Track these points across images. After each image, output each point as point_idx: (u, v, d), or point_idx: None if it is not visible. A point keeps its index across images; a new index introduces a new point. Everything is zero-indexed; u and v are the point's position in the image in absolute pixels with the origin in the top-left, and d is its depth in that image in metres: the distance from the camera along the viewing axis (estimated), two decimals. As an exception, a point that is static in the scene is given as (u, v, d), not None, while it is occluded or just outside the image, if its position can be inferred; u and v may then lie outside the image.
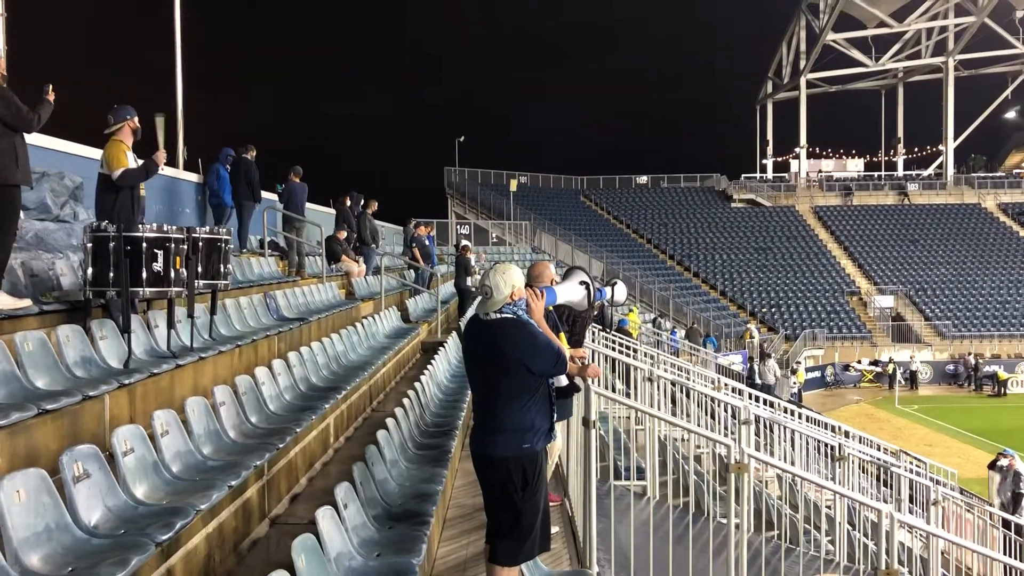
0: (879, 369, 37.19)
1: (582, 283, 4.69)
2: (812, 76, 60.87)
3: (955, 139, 59.88)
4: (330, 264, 14.05)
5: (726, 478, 5.12)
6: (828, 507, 9.52)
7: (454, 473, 6.96)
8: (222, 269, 6.35)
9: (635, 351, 13.75)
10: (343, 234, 14.99)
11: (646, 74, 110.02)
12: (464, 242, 18.84)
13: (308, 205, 14.33)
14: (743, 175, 61.61)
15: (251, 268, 10.90)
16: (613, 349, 12.11)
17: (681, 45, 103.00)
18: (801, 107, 60.03)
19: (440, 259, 23.93)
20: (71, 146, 8.92)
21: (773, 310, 41.98)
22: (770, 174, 63.97)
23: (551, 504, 6.19)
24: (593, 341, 10.89)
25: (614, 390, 10.56)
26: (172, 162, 12.66)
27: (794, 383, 30.70)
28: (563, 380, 4.97)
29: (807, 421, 12.44)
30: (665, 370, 11.95)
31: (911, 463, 12.80)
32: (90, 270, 5.38)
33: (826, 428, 12.32)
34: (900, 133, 65.08)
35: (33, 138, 7.63)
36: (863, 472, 11.58)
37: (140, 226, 5.51)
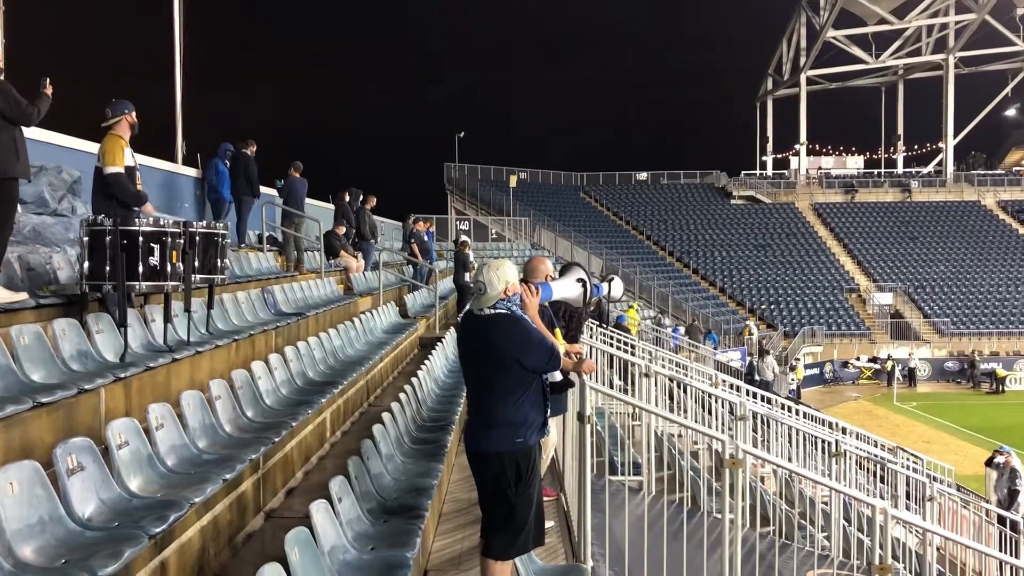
0: (878, 366, 37.23)
1: (579, 280, 4.70)
2: (812, 73, 60.84)
3: (955, 136, 59.86)
4: (329, 259, 14.05)
5: (721, 473, 5.13)
6: (824, 503, 9.54)
7: (450, 468, 6.97)
8: (219, 264, 6.34)
9: (633, 347, 13.75)
10: (342, 229, 14.99)
11: (646, 71, 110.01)
12: (463, 238, 18.83)
13: (307, 200, 14.33)
14: (743, 172, 61.60)
15: (249, 263, 10.91)
16: (611, 345, 12.11)
17: (682, 42, 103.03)
18: (801, 104, 60.00)
19: (439, 255, 23.93)
20: (69, 140, 8.91)
21: (772, 307, 41.99)
22: (770, 171, 63.94)
23: (546, 499, 6.21)
24: (591, 337, 10.89)
25: (611, 386, 10.57)
26: (171, 157, 12.66)
27: (792, 379, 30.73)
28: (557, 376, 4.98)
29: (804, 417, 12.45)
30: (663, 366, 11.95)
31: (908, 459, 12.81)
32: (86, 264, 5.39)
33: (823, 424, 12.33)
34: (900, 130, 65.05)
35: (31, 132, 7.63)
36: (860, 468, 11.59)
37: (136, 220, 5.52)
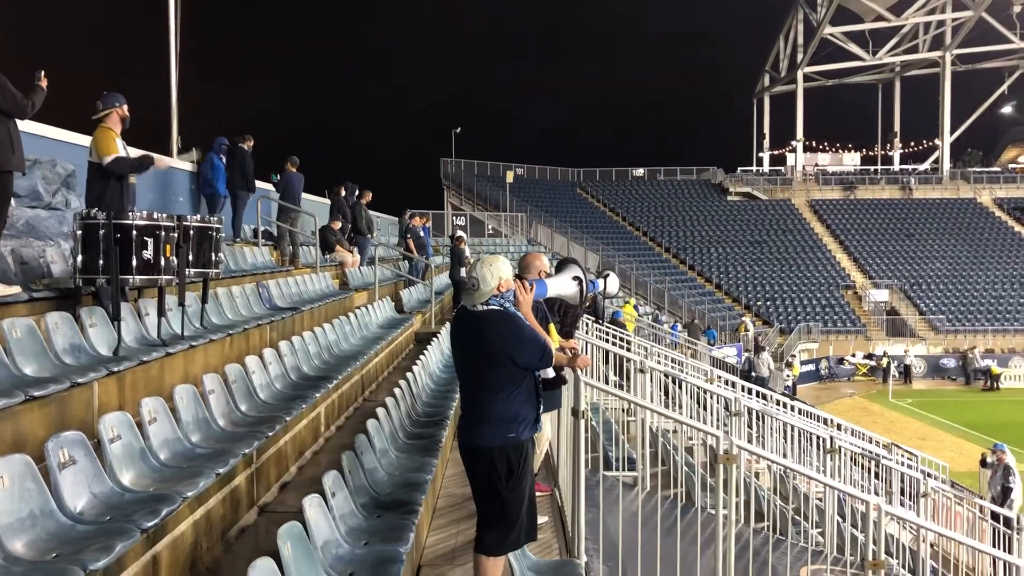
0: (873, 363, 37.26)
1: (575, 278, 4.68)
2: (809, 70, 60.81)
3: (951, 134, 59.90)
4: (324, 254, 14.03)
5: (716, 469, 5.13)
6: (819, 499, 9.56)
7: (445, 463, 6.96)
8: (213, 257, 6.33)
9: (629, 343, 13.77)
10: (338, 224, 14.97)
11: (644, 67, 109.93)
12: (459, 233, 18.82)
13: (303, 195, 14.31)
14: (739, 168, 61.60)
15: (244, 257, 10.89)
16: (606, 341, 12.12)
17: (679, 39, 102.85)
18: (798, 101, 60.01)
19: (435, 250, 23.91)
20: (64, 134, 8.88)
21: (768, 303, 42.03)
22: (766, 168, 63.93)
23: (540, 494, 6.21)
24: (586, 332, 10.89)
25: (607, 382, 10.57)
26: (166, 151, 12.62)
27: (788, 376, 30.76)
28: (550, 372, 4.98)
29: (799, 414, 12.47)
30: (658, 362, 11.97)
31: (903, 456, 12.84)
32: (80, 258, 5.37)
33: (818, 421, 12.36)
34: (897, 127, 65.04)
35: (25, 125, 7.61)
36: (855, 465, 11.61)
37: (130, 214, 5.50)
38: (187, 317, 6.19)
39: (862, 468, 12.13)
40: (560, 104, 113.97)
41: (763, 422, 10.53)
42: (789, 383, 30.01)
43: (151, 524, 3.46)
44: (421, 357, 9.05)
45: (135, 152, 7.59)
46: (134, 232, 5.37)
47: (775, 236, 49.61)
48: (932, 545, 9.15)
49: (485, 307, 4.19)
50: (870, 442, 12.66)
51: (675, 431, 10.15)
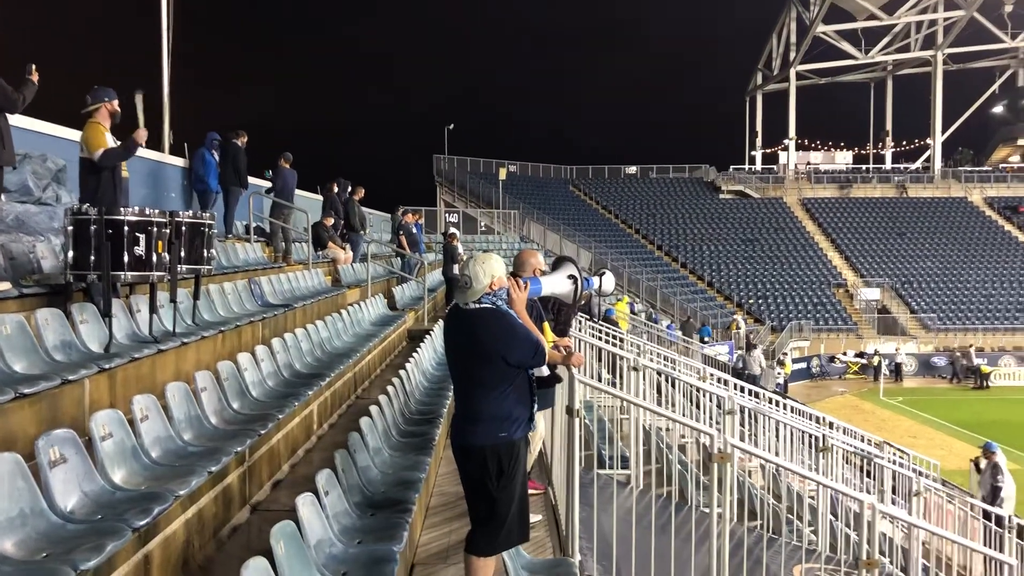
0: (864, 361, 37.37)
1: (570, 277, 4.65)
2: (802, 68, 60.95)
3: (943, 133, 60.10)
4: (316, 250, 13.98)
5: (710, 468, 5.12)
6: (811, 497, 9.57)
7: (438, 461, 6.94)
8: (205, 254, 6.29)
9: (622, 340, 13.76)
10: (330, 220, 14.92)
11: (637, 65, 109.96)
12: (452, 230, 18.78)
13: (296, 191, 14.25)
14: (732, 167, 61.69)
15: (236, 254, 10.84)
16: (600, 339, 12.11)
17: (672, 37, 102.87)
18: (790, 99, 60.16)
19: (428, 247, 23.87)
20: (55, 128, 8.82)
21: (760, 301, 42.12)
22: (758, 166, 64.05)
23: (534, 493, 6.19)
24: (579, 330, 10.88)
25: (600, 379, 10.56)
26: (158, 146, 12.55)
27: (779, 373, 30.82)
28: (544, 370, 4.95)
29: (792, 412, 12.48)
30: (651, 359, 11.96)
31: (894, 454, 12.86)
32: (71, 253, 5.33)
33: (810, 419, 12.37)
34: (888, 126, 65.24)
35: (16, 119, 7.55)
36: (847, 463, 11.63)
37: (122, 209, 5.45)
38: (179, 314, 6.14)
39: (853, 466, 12.16)
40: (553, 102, 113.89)
41: (756, 420, 10.53)
42: (781, 381, 30.07)
43: (143, 523, 3.43)
44: (414, 355, 9.03)
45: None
46: (126, 228, 5.32)
47: (767, 234, 49.71)
48: (924, 543, 9.17)
49: (477, 305, 4.16)
50: (862, 440, 12.68)
51: (668, 429, 10.15)
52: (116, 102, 6.37)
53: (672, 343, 24.46)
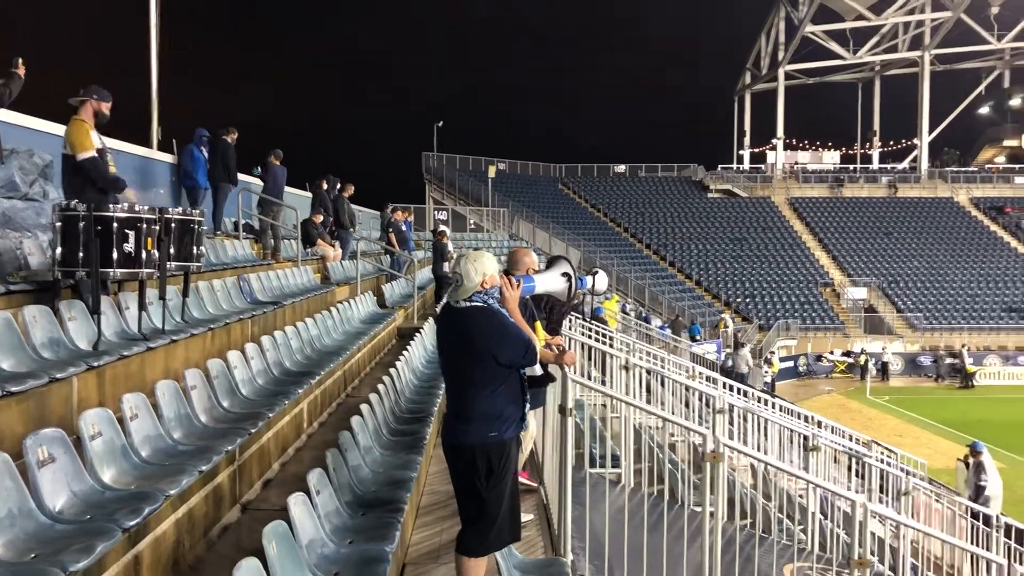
0: (851, 360, 37.53)
1: (564, 274, 4.63)
2: (790, 68, 61.15)
3: (930, 133, 60.42)
4: (306, 248, 13.92)
5: (701, 467, 5.11)
6: (800, 496, 9.59)
7: (428, 460, 6.92)
8: (195, 251, 6.24)
9: (611, 339, 13.76)
10: (319, 218, 14.86)
11: (626, 64, 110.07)
12: (441, 227, 18.74)
13: (284, 188, 14.18)
14: (720, 166, 61.85)
15: (225, 251, 10.77)
16: (589, 337, 12.10)
17: (661, 36, 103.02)
18: (779, 98, 60.32)
19: (417, 244, 23.81)
20: (41, 123, 8.74)
21: (747, 300, 42.24)
22: (747, 165, 64.24)
23: (525, 484, 6.18)
24: (569, 329, 10.86)
25: (589, 378, 10.55)
26: (146, 142, 12.47)
27: (767, 372, 30.91)
28: (537, 369, 4.93)
29: (780, 411, 12.51)
30: (641, 358, 11.96)
31: (882, 453, 12.91)
32: (59, 250, 5.27)
33: (799, 418, 12.40)
34: (876, 126, 65.53)
35: (3, 114, 7.48)
36: (835, 462, 11.67)
37: (111, 206, 5.40)
38: (168, 311, 6.09)
39: (841, 465, 12.20)
40: (544, 101, 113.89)
41: (745, 419, 10.55)
42: (768, 380, 30.16)
43: (133, 523, 3.39)
44: (404, 353, 8.99)
45: (112, 143, 7.48)
46: (115, 224, 5.27)
47: (755, 233, 49.85)
48: (913, 542, 9.20)
49: (468, 303, 4.14)
50: (850, 439, 12.72)
51: (658, 428, 10.15)
52: (106, 104, 6.28)
53: (664, 342, 24.47)
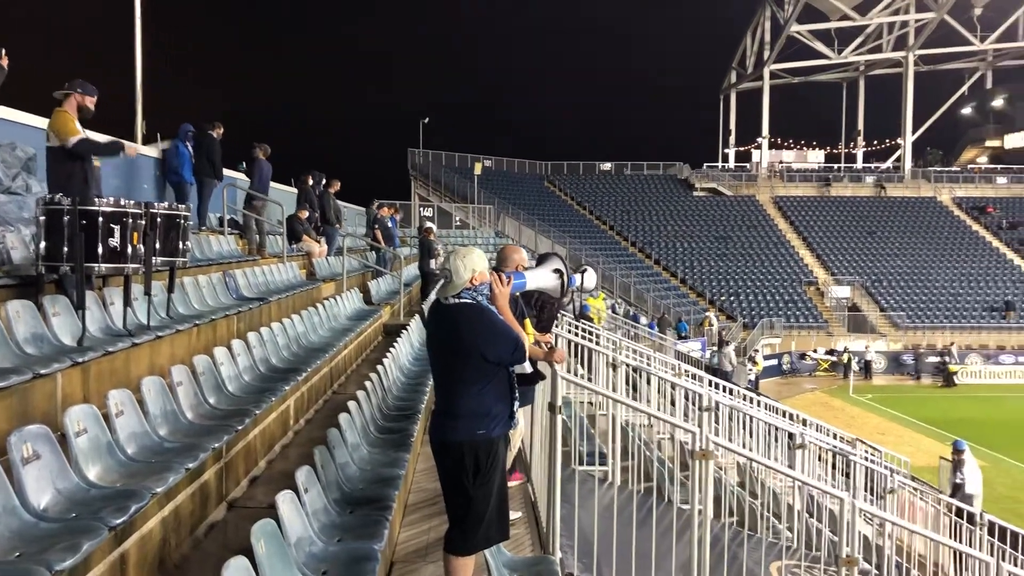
0: (834, 358, 37.75)
1: (556, 271, 4.61)
2: (775, 67, 61.33)
3: (913, 133, 60.80)
4: (291, 244, 13.84)
5: (688, 464, 5.12)
6: (785, 494, 9.62)
7: (416, 457, 6.88)
8: (181, 246, 6.19)
9: (597, 337, 13.75)
10: (305, 213, 14.77)
11: (612, 62, 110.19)
12: (428, 224, 18.69)
13: (270, 184, 14.09)
14: (705, 164, 62.01)
15: (210, 246, 10.70)
16: (576, 335, 12.09)
17: (647, 33, 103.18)
18: (764, 97, 60.50)
19: (403, 241, 23.73)
20: (24, 116, 8.64)
21: (732, 298, 42.39)
22: (732, 164, 64.42)
23: (512, 482, 6.16)
24: (557, 327, 10.85)
25: (576, 376, 10.54)
26: (130, 137, 12.37)
27: (751, 370, 31.04)
28: (527, 367, 4.91)
29: (766, 409, 12.54)
30: (627, 356, 11.96)
31: (867, 451, 12.98)
32: (43, 244, 5.21)
33: (784, 416, 12.44)
34: (860, 126, 65.88)
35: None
36: (819, 460, 11.72)
37: (96, 200, 5.34)
38: (153, 307, 6.03)
39: (825, 463, 12.25)
40: (528, 97, 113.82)
41: (730, 418, 10.57)
42: (752, 378, 30.29)
43: (119, 521, 3.35)
44: (391, 350, 8.96)
45: (101, 138, 7.41)
46: (100, 219, 5.21)
47: (740, 232, 50.02)
48: (897, 540, 9.25)
49: (458, 300, 4.12)
50: (835, 437, 12.78)
51: (644, 425, 10.16)
52: (91, 98, 6.24)
53: (652, 341, 24.51)
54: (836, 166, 63.85)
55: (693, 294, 43.13)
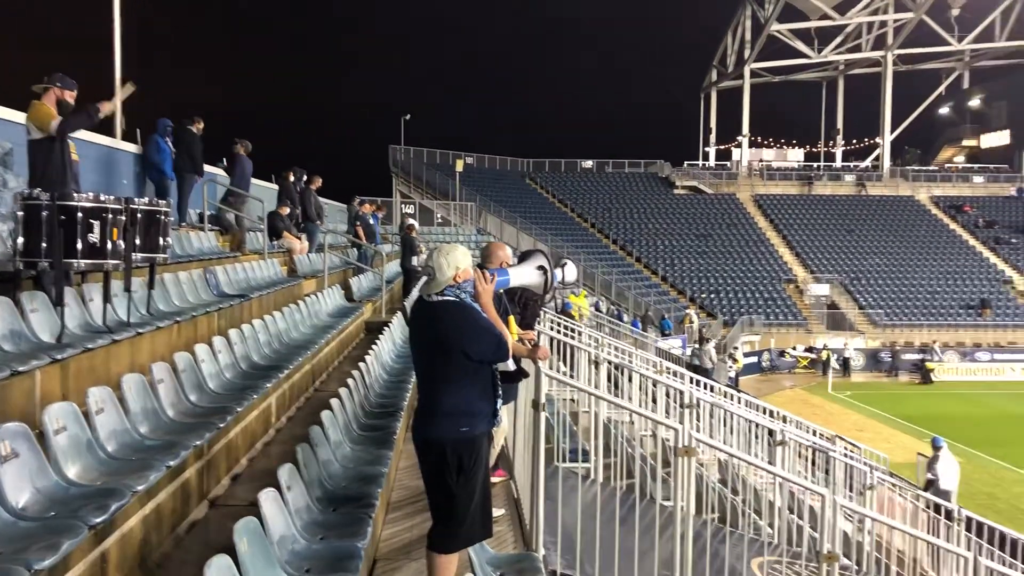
0: (813, 356, 38.04)
1: (539, 267, 4.60)
2: (756, 66, 61.60)
3: (892, 132, 61.28)
4: (272, 240, 13.76)
5: (671, 461, 5.13)
6: (766, 490, 9.69)
7: (399, 455, 6.87)
8: (161, 242, 6.13)
9: (579, 334, 13.78)
10: (286, 210, 14.69)
11: (594, 60, 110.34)
12: (410, 221, 18.65)
13: (251, 180, 14.00)
14: (686, 162, 62.23)
15: (190, 242, 10.61)
16: (558, 332, 12.11)
17: (630, 32, 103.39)
18: (744, 96, 60.76)
19: (384, 238, 23.66)
20: (1, 111, 8.52)
21: (712, 296, 42.59)
22: (712, 162, 64.69)
23: (495, 480, 6.15)
24: (539, 324, 10.86)
25: (559, 373, 10.55)
26: (109, 132, 12.23)
27: (731, 367, 31.21)
28: (511, 364, 4.91)
29: (746, 406, 12.62)
30: (610, 353, 12.00)
31: (846, 448, 13.09)
32: (20, 239, 5.14)
33: (764, 413, 12.52)
34: (840, 125, 66.33)
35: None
36: (799, 457, 11.80)
37: (76, 195, 5.28)
38: (133, 303, 5.97)
39: (806, 460, 12.34)
40: (509, 95, 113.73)
41: (711, 414, 10.63)
42: (732, 375, 30.45)
43: (99, 520, 3.31)
44: (374, 347, 8.92)
45: (81, 134, 7.33)
46: (79, 214, 5.15)
47: (720, 230, 50.25)
48: (878, 536, 9.34)
49: (441, 297, 4.11)
50: (814, 434, 12.87)
51: (631, 422, 10.19)
52: (70, 92, 6.19)
53: (634, 338, 24.58)
54: (816, 165, 64.25)
55: (674, 291, 43.28)
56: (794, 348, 39.01)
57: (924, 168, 61.08)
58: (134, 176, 11.81)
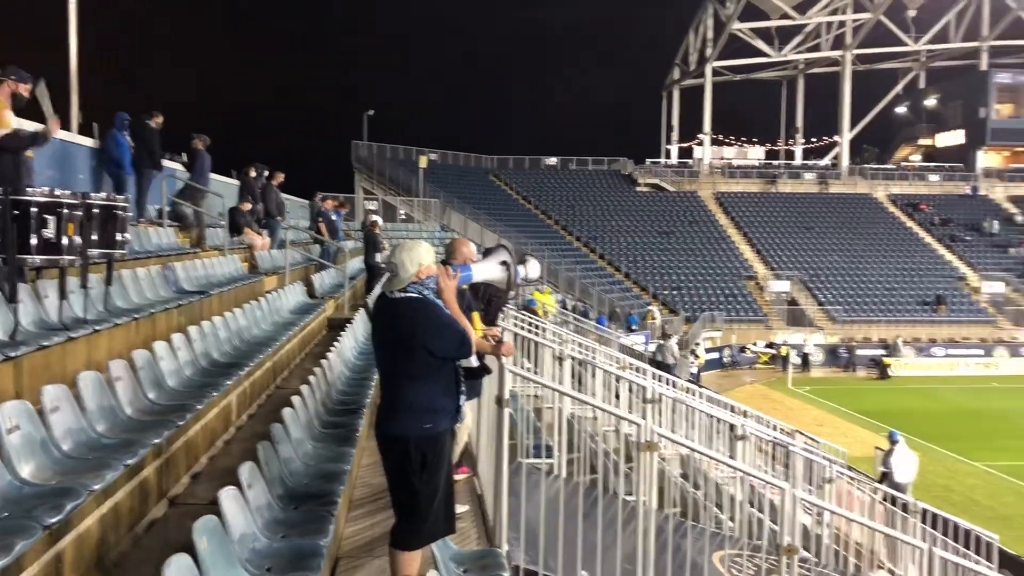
0: (774, 351, 38.52)
1: (503, 263, 4.61)
2: (717, 64, 62.15)
3: (850, 131, 62.21)
4: (233, 236, 13.61)
5: (634, 456, 5.17)
6: (727, 484, 9.79)
7: (361, 452, 6.83)
8: (119, 238, 6.03)
9: (543, 330, 13.81)
10: (247, 205, 14.53)
11: (558, 57, 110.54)
12: (373, 217, 18.53)
13: (211, 175, 13.82)
14: (648, 160, 62.60)
15: (149, 238, 10.45)
16: (522, 328, 12.13)
17: (592, 30, 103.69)
18: (706, 94, 61.26)
19: (347, 235, 23.50)
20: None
21: (674, 292, 42.93)
22: (675, 160, 65.18)
23: (459, 477, 6.15)
24: (502, 320, 10.86)
25: (523, 369, 10.57)
26: (65, 126, 12.00)
27: (693, 363, 31.49)
28: (474, 361, 4.91)
29: (708, 401, 12.74)
30: (573, 350, 12.04)
31: (805, 442, 13.27)
32: (-28, 235, 5.02)
33: (726, 408, 12.66)
34: (799, 123, 67.18)
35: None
36: (759, 451, 11.94)
37: (29, 190, 5.17)
38: (90, 300, 5.87)
39: (766, 454, 12.50)
40: (476, 92, 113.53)
41: (673, 410, 10.70)
42: (694, 371, 30.73)
43: (54, 520, 3.26)
44: (336, 343, 8.86)
45: (30, 126, 7.19)
46: (34, 209, 5.04)
47: (682, 227, 50.66)
48: (837, 529, 9.49)
49: (403, 294, 4.10)
50: (774, 429, 13.04)
51: (594, 418, 10.23)
52: (25, 86, 6.07)
53: (598, 335, 24.67)
54: (776, 163, 65.00)
55: (636, 288, 43.57)
56: (755, 344, 39.48)
57: (882, 167, 62.08)
58: (91, 171, 11.61)
